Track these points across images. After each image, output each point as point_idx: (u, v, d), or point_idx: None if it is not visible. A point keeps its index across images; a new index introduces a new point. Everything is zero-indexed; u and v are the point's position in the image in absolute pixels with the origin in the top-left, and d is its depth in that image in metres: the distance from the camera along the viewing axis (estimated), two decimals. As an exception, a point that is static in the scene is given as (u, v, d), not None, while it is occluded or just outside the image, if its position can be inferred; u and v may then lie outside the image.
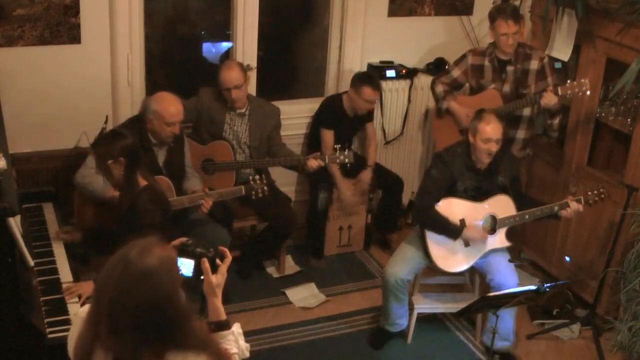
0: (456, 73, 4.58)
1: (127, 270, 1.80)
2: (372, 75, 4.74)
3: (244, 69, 4.35)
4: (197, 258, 2.15)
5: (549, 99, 4.12)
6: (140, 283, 1.79)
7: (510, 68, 4.38)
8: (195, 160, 4.27)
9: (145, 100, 3.94)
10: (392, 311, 4.02)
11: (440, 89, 4.59)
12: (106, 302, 1.81)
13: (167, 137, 3.87)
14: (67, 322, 2.83)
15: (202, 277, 2.15)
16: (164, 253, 1.87)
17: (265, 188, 4.06)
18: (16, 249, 2.77)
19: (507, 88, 4.39)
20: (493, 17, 4.34)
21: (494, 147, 3.74)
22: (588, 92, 4.11)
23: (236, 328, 2.18)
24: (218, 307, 2.16)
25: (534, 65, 4.35)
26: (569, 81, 4.15)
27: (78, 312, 2.08)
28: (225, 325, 2.16)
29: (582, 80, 4.08)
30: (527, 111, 4.42)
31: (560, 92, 4.11)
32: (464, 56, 4.57)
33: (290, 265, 4.81)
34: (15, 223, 2.73)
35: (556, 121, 4.37)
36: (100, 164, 3.25)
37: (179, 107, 3.84)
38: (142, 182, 3.31)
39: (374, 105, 4.79)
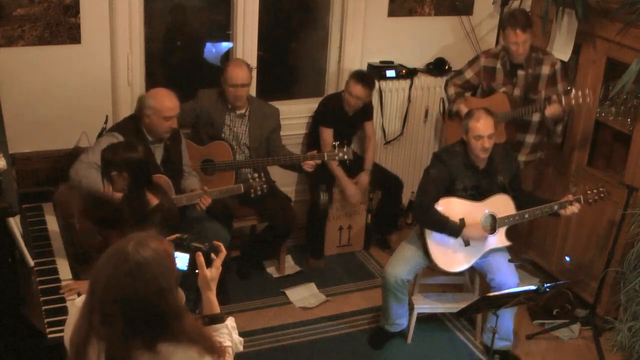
0: (469, 74, 4.55)
1: (122, 262, 1.82)
2: (366, 74, 4.74)
3: (250, 70, 4.36)
4: (192, 252, 2.17)
5: (554, 110, 4.12)
6: (132, 276, 1.81)
7: (521, 72, 4.33)
8: (195, 161, 4.27)
9: (141, 98, 3.94)
10: (392, 311, 4.02)
11: (452, 90, 4.57)
12: (99, 292, 1.83)
13: (165, 132, 3.87)
14: (67, 322, 2.83)
15: (197, 271, 2.17)
16: (160, 247, 1.89)
17: (265, 186, 4.06)
18: (16, 249, 2.77)
19: (517, 92, 4.36)
20: (504, 25, 4.30)
21: (487, 143, 3.74)
22: (590, 103, 4.12)
23: (230, 322, 2.21)
24: (212, 301, 2.18)
25: (545, 70, 4.30)
26: (572, 92, 4.12)
27: (75, 301, 2.10)
28: (219, 319, 2.18)
29: (587, 92, 4.08)
30: (536, 116, 4.37)
31: (564, 103, 4.11)
32: (477, 57, 4.55)
33: (290, 265, 4.81)
34: (15, 223, 2.73)
35: (559, 127, 4.37)
36: (104, 171, 3.22)
37: (175, 101, 3.86)
38: (153, 200, 3.23)
39: (361, 102, 4.68)
